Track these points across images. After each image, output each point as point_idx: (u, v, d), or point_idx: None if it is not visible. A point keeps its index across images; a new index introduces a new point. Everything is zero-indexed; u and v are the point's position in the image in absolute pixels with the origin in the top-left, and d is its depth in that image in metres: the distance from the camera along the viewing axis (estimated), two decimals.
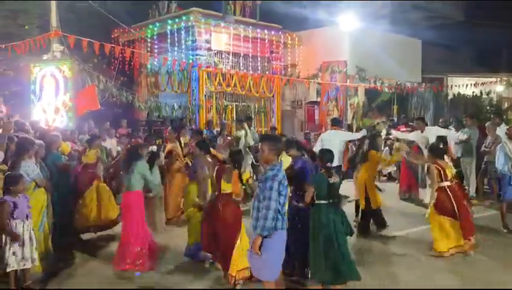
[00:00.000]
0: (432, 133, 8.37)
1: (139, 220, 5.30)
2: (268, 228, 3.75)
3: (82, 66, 10.65)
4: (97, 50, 10.09)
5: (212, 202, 5.18)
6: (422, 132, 8.82)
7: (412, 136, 9.16)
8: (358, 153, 7.36)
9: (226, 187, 5.01)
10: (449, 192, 5.94)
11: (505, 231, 7.04)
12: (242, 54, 15.07)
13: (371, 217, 7.08)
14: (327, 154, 5.00)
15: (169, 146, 8.02)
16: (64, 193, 6.20)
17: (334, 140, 8.07)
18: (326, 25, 15.69)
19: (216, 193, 5.17)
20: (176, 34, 14.13)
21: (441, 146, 6.64)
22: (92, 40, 9.77)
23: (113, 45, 11.12)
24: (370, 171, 7.13)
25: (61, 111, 9.86)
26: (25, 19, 13.48)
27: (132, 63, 13.25)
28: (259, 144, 4.22)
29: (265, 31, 15.29)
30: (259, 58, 15.42)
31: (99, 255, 6.05)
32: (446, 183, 6.00)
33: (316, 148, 7.33)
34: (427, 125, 9.74)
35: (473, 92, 17.71)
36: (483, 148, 8.98)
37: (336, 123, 9.03)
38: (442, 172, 5.99)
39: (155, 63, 15.01)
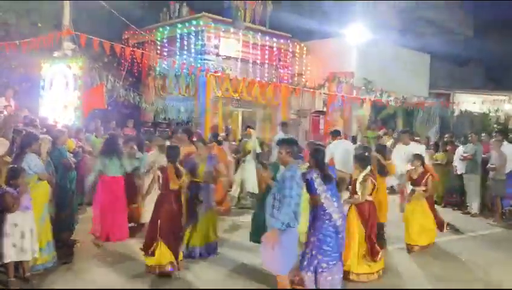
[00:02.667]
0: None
1: (109, 200, 6.31)
2: (286, 223, 4.09)
3: (92, 64, 10.76)
4: (107, 50, 10.21)
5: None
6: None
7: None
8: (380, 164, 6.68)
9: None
10: None
11: None
12: (250, 61, 15.17)
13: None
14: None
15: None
16: (66, 188, 6.24)
17: (338, 149, 8.23)
18: (334, 36, 15.77)
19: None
20: (185, 38, 14.26)
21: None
22: (102, 40, 9.87)
23: (123, 46, 11.23)
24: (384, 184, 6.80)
25: (69, 108, 9.97)
26: (38, 17, 13.66)
27: (141, 65, 13.35)
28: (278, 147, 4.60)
29: (274, 39, 15.38)
30: (267, 66, 15.49)
31: (97, 252, 6.07)
32: None
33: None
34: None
35: (480, 110, 17.65)
36: (489, 165, 8.95)
37: (338, 134, 9.13)
38: None
39: (164, 65, 15.13)
